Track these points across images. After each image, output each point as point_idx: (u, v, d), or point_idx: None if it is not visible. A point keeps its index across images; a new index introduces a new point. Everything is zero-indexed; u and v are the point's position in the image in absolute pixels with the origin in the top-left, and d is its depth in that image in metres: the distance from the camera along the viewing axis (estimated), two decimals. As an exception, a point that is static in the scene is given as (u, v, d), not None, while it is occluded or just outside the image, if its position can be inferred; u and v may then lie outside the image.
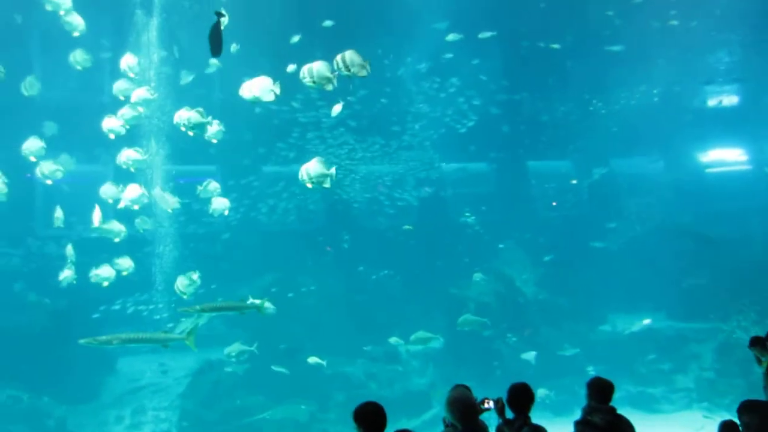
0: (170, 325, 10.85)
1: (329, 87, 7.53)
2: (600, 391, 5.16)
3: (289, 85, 10.11)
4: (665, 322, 16.37)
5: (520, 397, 4.84)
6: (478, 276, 16.00)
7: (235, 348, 13.18)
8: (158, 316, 13.95)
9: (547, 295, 16.90)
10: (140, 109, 10.89)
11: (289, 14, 14.34)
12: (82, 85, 13.93)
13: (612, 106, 19.19)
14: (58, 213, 12.42)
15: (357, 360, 15.25)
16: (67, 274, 12.22)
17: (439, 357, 15.66)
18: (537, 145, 19.40)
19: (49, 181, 11.43)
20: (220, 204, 12.40)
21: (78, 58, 11.84)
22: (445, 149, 18.93)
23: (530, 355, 14.65)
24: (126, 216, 12.02)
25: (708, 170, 21.20)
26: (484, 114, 17.87)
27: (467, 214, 18.62)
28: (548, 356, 14.97)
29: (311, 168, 8.18)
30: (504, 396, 4.89)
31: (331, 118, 13.87)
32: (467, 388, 4.77)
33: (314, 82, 7.48)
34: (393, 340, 14.47)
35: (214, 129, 10.42)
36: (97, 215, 11.59)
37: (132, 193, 11.20)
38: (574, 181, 20.66)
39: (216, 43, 7.10)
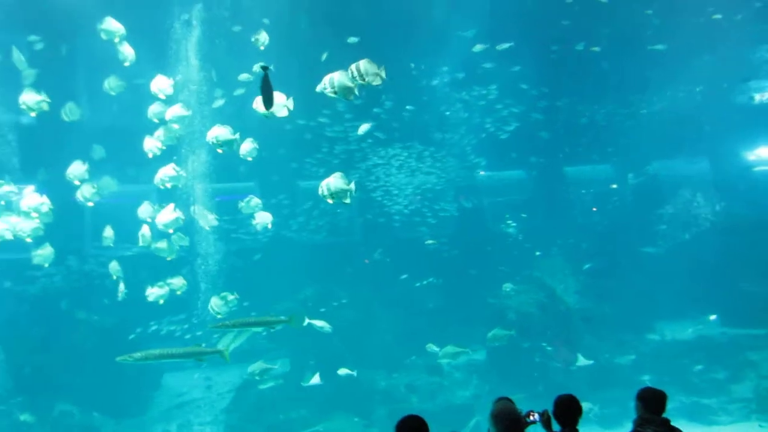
0: (203, 344, 11.00)
1: (351, 97, 7.46)
2: (652, 401, 4.96)
3: (325, 101, 10.22)
4: (717, 329, 15.71)
5: (567, 409, 4.70)
6: (507, 286, 15.76)
7: (257, 366, 13.24)
8: (187, 336, 14.19)
9: (591, 303, 16.48)
10: (175, 126, 11.09)
11: (320, 30, 14.48)
12: (127, 108, 14.35)
13: (653, 106, 18.72)
14: (108, 232, 12.81)
15: (398, 373, 15.16)
16: (122, 289, 12.51)
17: (482, 368, 15.42)
18: (577, 149, 19.08)
19: (90, 204, 11.77)
20: (264, 218, 12.57)
21: (112, 84, 12.33)
22: (484, 157, 18.78)
23: (586, 362, 14.27)
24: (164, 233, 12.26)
25: (756, 168, 20.40)
26: (523, 120, 17.69)
27: (509, 221, 18.40)
28: (593, 367, 14.56)
29: (331, 183, 8.03)
30: (550, 408, 4.75)
31: (368, 130, 13.91)
32: (511, 400, 4.65)
33: (335, 92, 7.43)
34: (429, 346, 14.37)
35: (248, 147, 10.55)
36: (146, 234, 11.88)
37: (165, 217, 11.41)
38: (614, 186, 20.19)
39: (268, 96, 7.14)
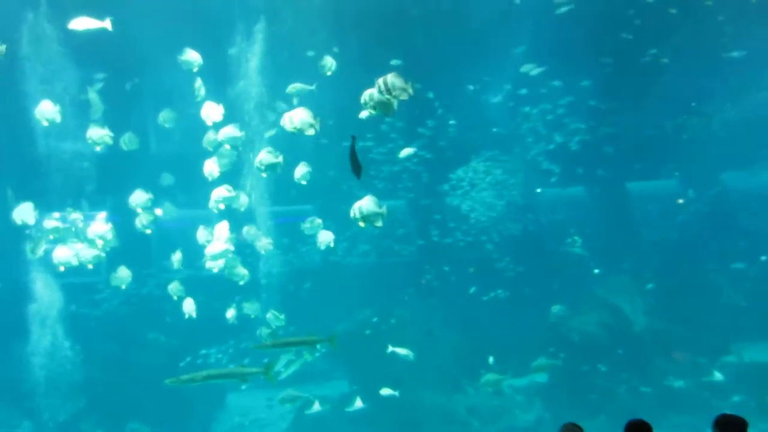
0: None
1: (391, 113, 7.33)
2: (731, 429, 4.63)
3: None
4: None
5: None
6: (556, 308, 15.27)
7: (288, 394, 13.27)
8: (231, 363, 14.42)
9: (660, 324, 15.69)
10: (227, 146, 11.32)
11: (371, 52, 14.61)
12: (190, 135, 14.97)
13: (727, 114, 17.87)
14: (177, 255, 13.31)
15: (458, 394, 14.89)
16: (190, 308, 12.74)
17: (545, 391, 14.95)
18: (644, 163, 18.43)
19: (148, 231, 12.23)
20: (326, 237, 12.71)
21: (165, 117, 12.99)
22: (546, 173, 18.46)
23: (678, 383, 13.61)
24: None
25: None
26: (587, 135, 17.32)
27: (575, 238, 17.93)
28: (663, 391, 13.83)
29: (364, 206, 7.82)
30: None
31: (412, 153, 13.84)
32: (579, 427, 4.45)
33: (374, 108, 7.31)
34: (490, 360, 14.07)
35: (302, 170, 10.73)
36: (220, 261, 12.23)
37: (215, 248, 11.72)
38: (681, 201, 19.34)
39: (356, 164, 7.15)
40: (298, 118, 8.47)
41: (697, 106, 17.87)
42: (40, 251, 11.61)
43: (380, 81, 7.07)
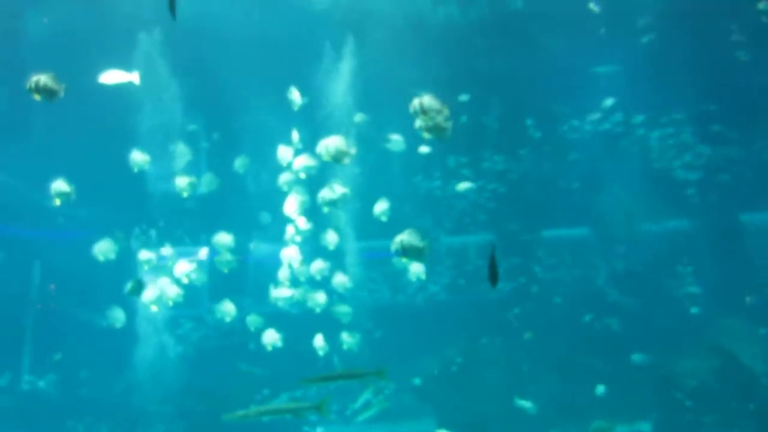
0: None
1: (444, 135, 6.97)
2: None
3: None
4: None
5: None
6: (637, 357, 13.95)
7: None
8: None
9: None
10: (302, 175, 11.53)
11: (457, 87, 14.54)
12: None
13: None
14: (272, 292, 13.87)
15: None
16: (271, 340, 12.86)
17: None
18: (761, 193, 16.79)
19: (225, 270, 12.75)
20: (417, 269, 12.66)
21: (240, 163, 13.69)
22: (651, 206, 17.30)
23: None
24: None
25: None
26: (700, 164, 16.15)
27: (687, 268, 16.58)
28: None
29: (405, 240, 7.23)
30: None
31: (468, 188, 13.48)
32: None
33: (428, 131, 6.99)
34: (601, 389, 13.40)
35: (382, 207, 10.75)
36: (321, 297, 12.61)
37: (280, 293, 11.94)
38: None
39: (493, 272, 7.04)
40: (333, 147, 8.41)
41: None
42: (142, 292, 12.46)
43: (416, 102, 6.88)
